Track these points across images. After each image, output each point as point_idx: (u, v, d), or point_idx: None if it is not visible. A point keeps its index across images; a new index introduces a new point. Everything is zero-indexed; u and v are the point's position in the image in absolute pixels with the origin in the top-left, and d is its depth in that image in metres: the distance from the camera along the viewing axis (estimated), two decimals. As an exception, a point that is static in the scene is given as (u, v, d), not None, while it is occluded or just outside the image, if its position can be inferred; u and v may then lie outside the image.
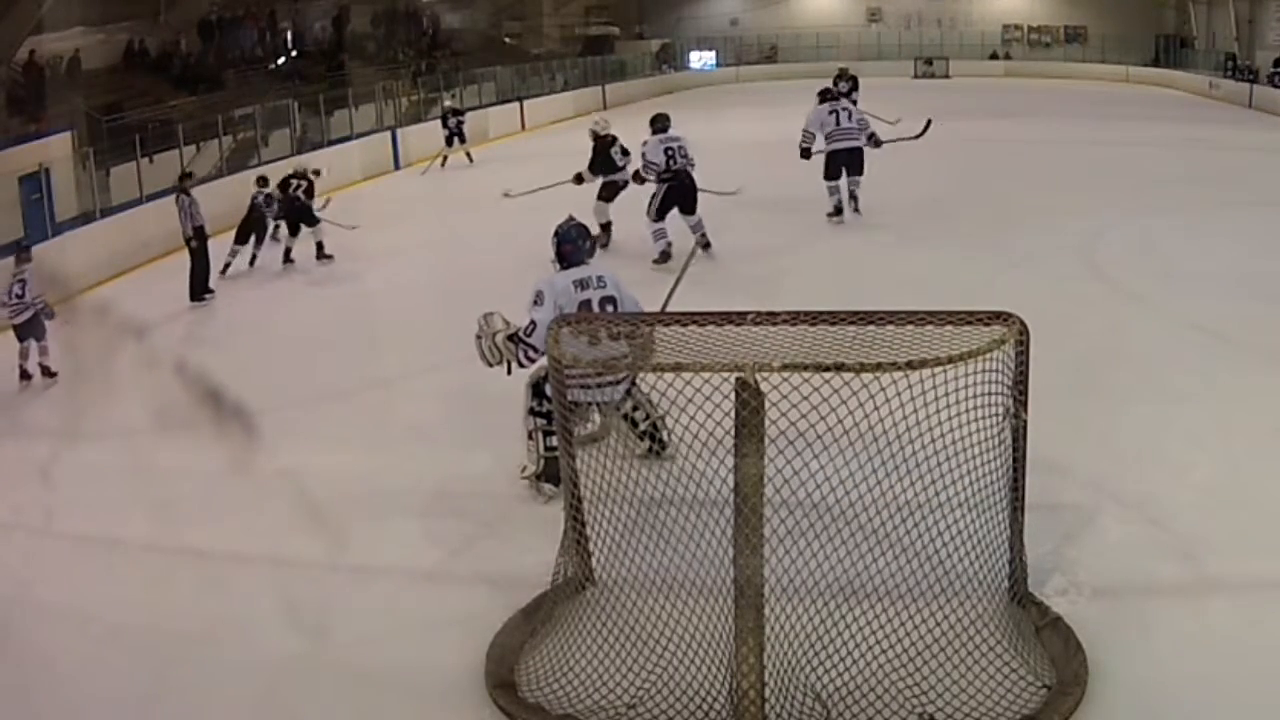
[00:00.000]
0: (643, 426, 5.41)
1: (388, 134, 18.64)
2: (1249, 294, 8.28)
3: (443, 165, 17.75)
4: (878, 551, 3.84)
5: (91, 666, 4.18)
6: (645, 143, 9.86)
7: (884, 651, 3.72)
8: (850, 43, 35.25)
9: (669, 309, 5.65)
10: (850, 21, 36.09)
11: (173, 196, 10.51)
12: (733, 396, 3.44)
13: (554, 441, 5.12)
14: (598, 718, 3.67)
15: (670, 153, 9.66)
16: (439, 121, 18.25)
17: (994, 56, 34.42)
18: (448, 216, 13.63)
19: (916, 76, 33.39)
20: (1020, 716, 3.53)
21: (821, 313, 4.05)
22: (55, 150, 13.35)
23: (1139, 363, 6.94)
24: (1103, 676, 3.72)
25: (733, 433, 3.47)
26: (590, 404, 5.20)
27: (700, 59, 35.97)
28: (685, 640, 3.80)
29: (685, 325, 4.23)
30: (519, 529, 5.00)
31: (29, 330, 7.98)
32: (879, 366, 3.42)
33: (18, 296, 8.03)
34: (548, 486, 5.23)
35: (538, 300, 5.26)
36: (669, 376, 3.65)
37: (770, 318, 4.27)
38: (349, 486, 5.56)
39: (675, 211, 9.72)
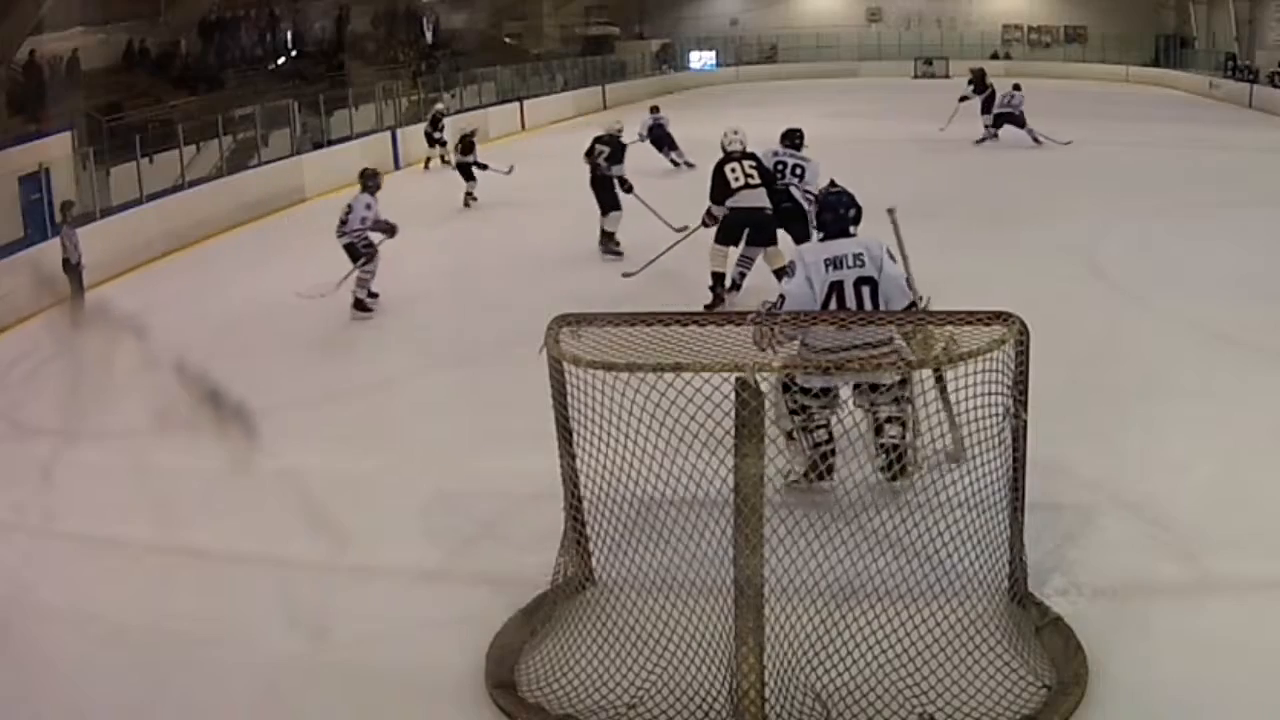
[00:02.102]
0: (888, 439, 4.73)
1: (388, 134, 18.64)
2: (1249, 294, 8.28)
3: (426, 168, 17.63)
4: (878, 551, 3.84)
5: (91, 667, 4.18)
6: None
7: (884, 651, 3.71)
8: (850, 43, 35.32)
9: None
10: (850, 21, 36.11)
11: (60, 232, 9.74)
12: (732, 396, 3.44)
13: (820, 435, 4.83)
14: (598, 718, 3.67)
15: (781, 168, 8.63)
16: (429, 123, 17.91)
17: (994, 56, 34.39)
18: (449, 216, 13.63)
19: (916, 76, 33.43)
20: (1020, 716, 3.53)
21: (822, 313, 4.06)
22: (55, 150, 13.34)
23: (1139, 363, 6.94)
24: (1103, 676, 3.72)
25: (733, 433, 3.47)
26: (820, 390, 4.74)
27: (700, 59, 35.98)
28: (685, 640, 3.80)
29: (685, 325, 4.24)
30: (519, 529, 5.00)
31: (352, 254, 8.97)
32: (879, 366, 3.42)
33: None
34: (824, 484, 4.70)
35: (790, 271, 4.88)
36: (669, 376, 3.64)
37: (770, 318, 4.28)
38: (349, 486, 5.56)
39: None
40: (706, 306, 7.99)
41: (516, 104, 23.82)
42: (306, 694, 3.96)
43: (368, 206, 9.03)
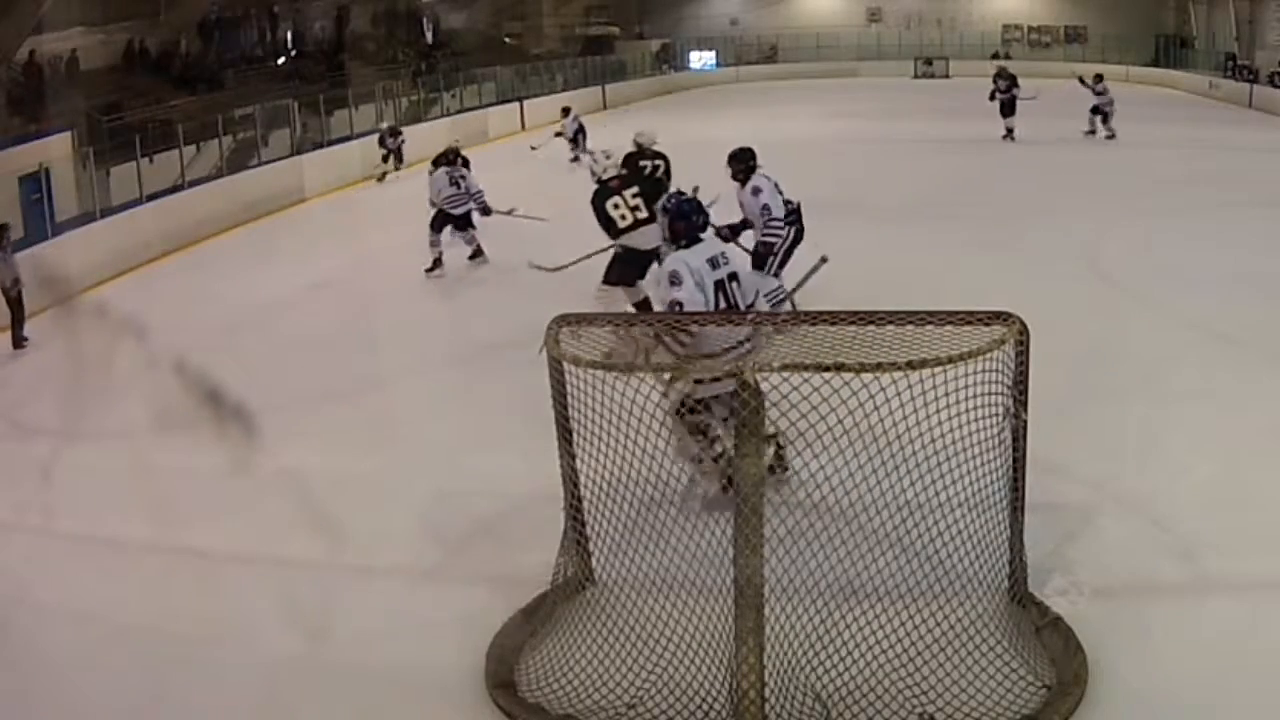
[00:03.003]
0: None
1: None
2: (1249, 294, 8.28)
3: (380, 180, 17.01)
4: (878, 551, 3.84)
5: (91, 667, 4.18)
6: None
7: (884, 651, 3.71)
8: (850, 43, 35.31)
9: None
10: (850, 21, 36.10)
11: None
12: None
13: (720, 447, 4.84)
14: (598, 718, 3.67)
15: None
16: (376, 139, 17.26)
17: (994, 56, 34.38)
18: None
19: (916, 76, 33.43)
20: (1020, 716, 3.53)
21: (821, 313, 4.05)
22: (55, 150, 13.35)
23: (1139, 363, 6.94)
24: (1103, 676, 3.72)
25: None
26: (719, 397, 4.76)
27: (700, 59, 35.97)
28: (685, 640, 3.80)
29: (686, 325, 4.24)
30: (519, 529, 5.00)
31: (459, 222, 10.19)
32: (879, 366, 3.42)
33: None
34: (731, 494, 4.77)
35: (675, 280, 4.92)
36: (669, 376, 3.65)
37: (770, 318, 4.28)
38: (349, 486, 5.56)
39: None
40: None
41: (516, 104, 23.82)
42: (306, 694, 3.96)
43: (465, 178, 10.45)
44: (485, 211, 10.50)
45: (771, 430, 4.74)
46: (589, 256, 7.91)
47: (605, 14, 35.14)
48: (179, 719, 3.93)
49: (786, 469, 4.81)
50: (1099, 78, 17.89)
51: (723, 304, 4.94)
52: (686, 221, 5.09)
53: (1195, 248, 10.06)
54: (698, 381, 4.68)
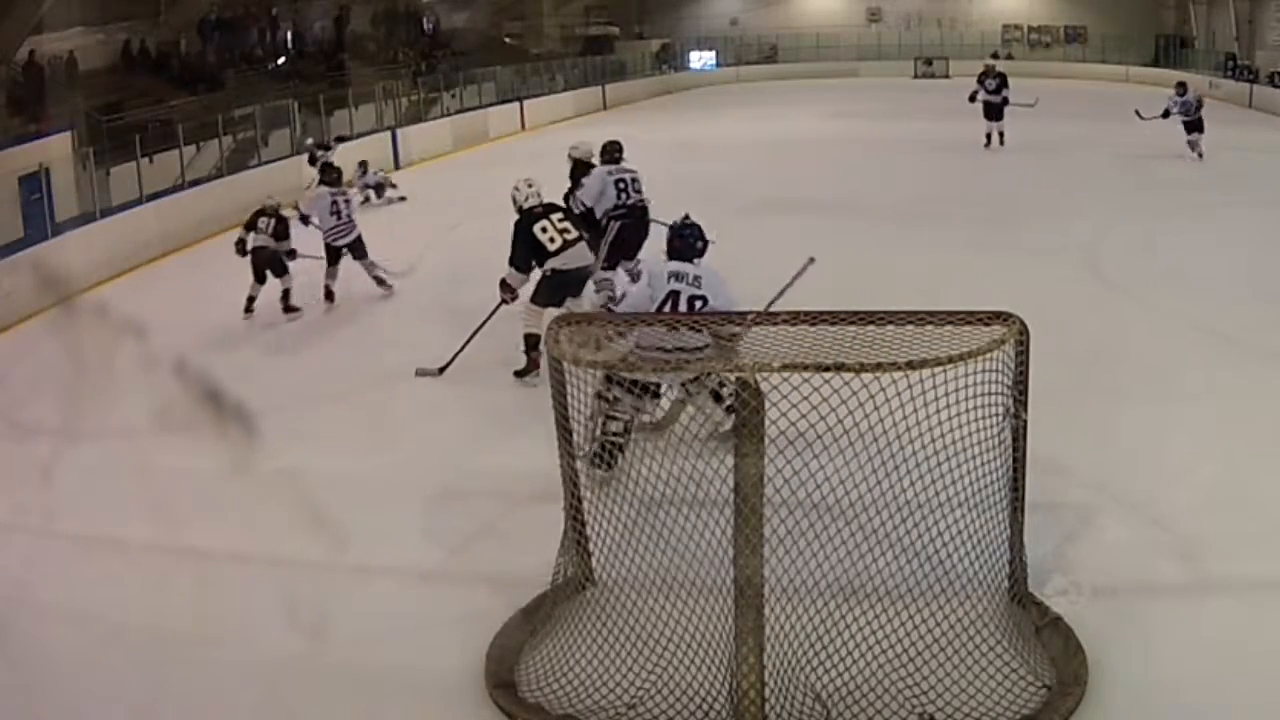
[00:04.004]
0: (728, 401, 5.06)
1: (388, 134, 18.64)
2: (1249, 294, 8.28)
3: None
4: (878, 551, 3.83)
5: (91, 666, 4.18)
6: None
7: (884, 651, 3.72)
8: (850, 43, 35.31)
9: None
10: (850, 21, 36.10)
11: None
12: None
13: (613, 426, 5.22)
14: (598, 718, 3.67)
15: (622, 186, 8.18)
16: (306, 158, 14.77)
17: (994, 56, 34.36)
18: (448, 216, 13.62)
19: (916, 76, 33.43)
20: (1020, 716, 3.53)
21: (821, 313, 4.05)
22: (55, 150, 13.33)
23: (1139, 363, 6.94)
24: (1103, 676, 3.72)
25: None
26: (646, 389, 5.17)
27: (700, 59, 35.96)
28: (685, 640, 3.80)
29: (685, 326, 4.24)
30: (519, 529, 5.00)
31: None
32: (879, 366, 3.42)
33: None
34: (598, 472, 5.10)
35: (634, 277, 5.35)
36: (670, 376, 3.65)
37: (770, 318, 4.28)
38: (349, 486, 5.56)
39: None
40: (518, 373, 7.05)
41: (516, 104, 23.82)
42: (306, 694, 3.96)
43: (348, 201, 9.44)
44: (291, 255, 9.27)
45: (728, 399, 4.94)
46: (463, 348, 7.49)
47: (605, 14, 35.14)
48: (179, 719, 3.93)
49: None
50: (1182, 88, 15.57)
51: (667, 309, 5.36)
52: (684, 241, 5.58)
53: (1196, 248, 10.07)
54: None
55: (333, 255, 9.43)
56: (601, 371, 5.00)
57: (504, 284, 7.13)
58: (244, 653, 4.18)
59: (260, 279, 9.16)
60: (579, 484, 4.23)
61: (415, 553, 4.94)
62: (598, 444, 5.23)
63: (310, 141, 15.96)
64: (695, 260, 5.55)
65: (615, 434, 5.25)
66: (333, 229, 9.36)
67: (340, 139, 16.00)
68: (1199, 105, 15.34)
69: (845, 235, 10.88)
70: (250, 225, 9.34)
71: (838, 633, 3.71)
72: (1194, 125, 15.28)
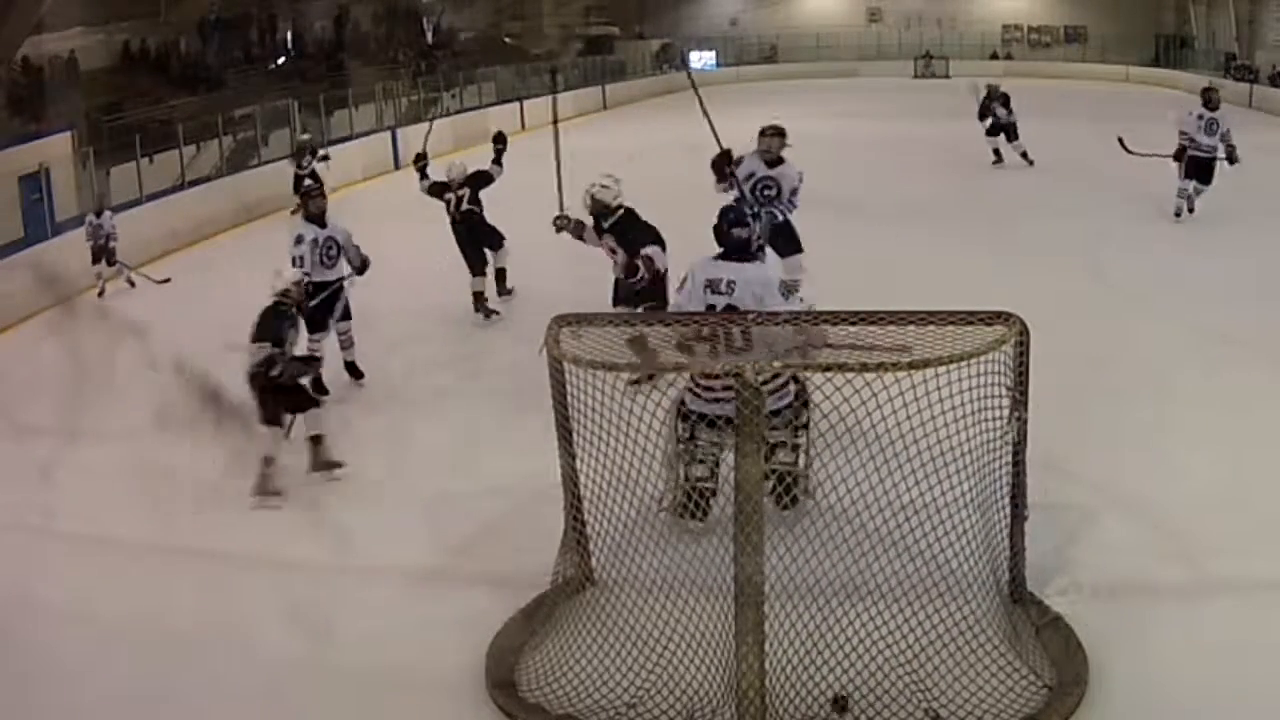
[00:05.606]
0: (779, 464, 4.59)
1: (388, 134, 18.64)
2: (1250, 295, 8.28)
3: (294, 214, 14.29)
4: (878, 551, 3.83)
5: (91, 666, 4.19)
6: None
7: (883, 652, 3.71)
8: (850, 43, 35.33)
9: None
10: (850, 21, 36.13)
11: None
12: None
13: (698, 471, 4.69)
14: (598, 718, 3.67)
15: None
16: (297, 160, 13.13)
17: (994, 56, 34.41)
18: (444, 216, 13.59)
19: (916, 76, 33.43)
20: (1021, 716, 3.53)
21: (822, 313, 4.06)
22: (55, 150, 13.34)
23: (1140, 363, 6.94)
24: (1103, 676, 3.72)
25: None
26: (714, 418, 4.60)
27: (700, 59, 35.96)
28: (685, 640, 3.80)
29: (686, 325, 4.24)
30: (519, 529, 5.00)
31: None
32: (879, 366, 3.42)
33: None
34: (693, 524, 4.57)
35: (679, 286, 4.94)
36: (670, 376, 3.64)
37: (770, 318, 4.28)
38: (349, 486, 5.56)
39: None
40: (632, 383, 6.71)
41: (516, 104, 23.82)
42: (306, 694, 3.96)
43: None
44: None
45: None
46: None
47: (605, 14, 35.14)
48: (179, 719, 3.93)
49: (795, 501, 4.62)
50: (1210, 95, 11.35)
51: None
52: (721, 231, 4.89)
53: (1195, 249, 10.06)
54: (694, 394, 4.69)
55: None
56: (671, 416, 4.64)
57: (649, 262, 6.72)
58: (244, 653, 4.18)
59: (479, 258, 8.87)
60: (579, 484, 4.23)
61: (415, 553, 4.93)
62: (682, 493, 4.69)
63: (306, 137, 14.80)
64: (740, 258, 4.85)
65: (702, 479, 4.70)
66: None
67: (323, 157, 13.36)
68: (1226, 132, 10.93)
69: (845, 235, 10.87)
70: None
71: (838, 632, 3.70)
72: (1205, 169, 10.88)
